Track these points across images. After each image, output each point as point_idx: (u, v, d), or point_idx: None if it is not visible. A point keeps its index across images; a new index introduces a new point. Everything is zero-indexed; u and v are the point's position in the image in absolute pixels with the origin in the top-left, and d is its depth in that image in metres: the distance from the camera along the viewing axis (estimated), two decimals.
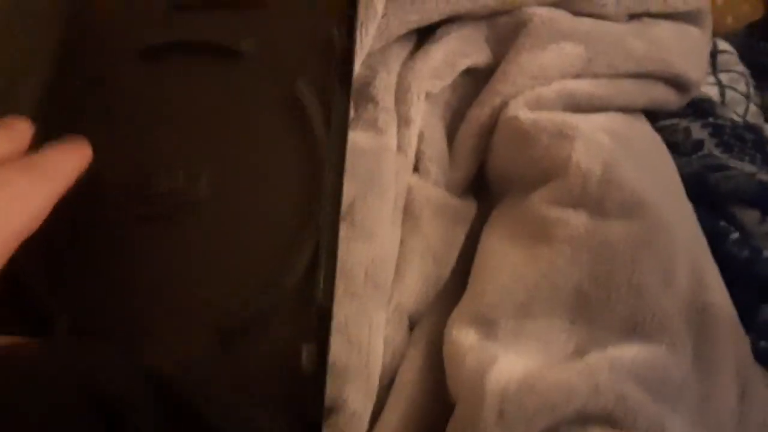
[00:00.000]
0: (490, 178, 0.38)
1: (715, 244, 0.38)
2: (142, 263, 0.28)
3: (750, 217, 0.40)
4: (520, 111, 0.35)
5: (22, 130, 0.26)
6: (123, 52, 0.32)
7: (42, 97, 0.31)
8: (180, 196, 0.28)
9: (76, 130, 0.27)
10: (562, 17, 0.38)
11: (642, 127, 0.39)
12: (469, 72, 0.38)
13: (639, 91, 0.39)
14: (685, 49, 0.42)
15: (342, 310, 0.28)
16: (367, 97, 0.35)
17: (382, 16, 0.35)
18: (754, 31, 0.55)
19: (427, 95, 0.36)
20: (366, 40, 0.33)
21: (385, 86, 0.35)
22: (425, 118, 0.36)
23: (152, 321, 0.27)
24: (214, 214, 0.28)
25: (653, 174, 0.34)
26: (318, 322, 0.26)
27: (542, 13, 0.38)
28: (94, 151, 0.27)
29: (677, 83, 0.41)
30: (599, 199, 0.31)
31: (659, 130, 0.45)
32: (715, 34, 0.54)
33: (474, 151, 0.37)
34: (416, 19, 0.36)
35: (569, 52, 0.37)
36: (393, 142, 0.34)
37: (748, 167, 0.42)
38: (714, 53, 0.52)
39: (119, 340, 0.26)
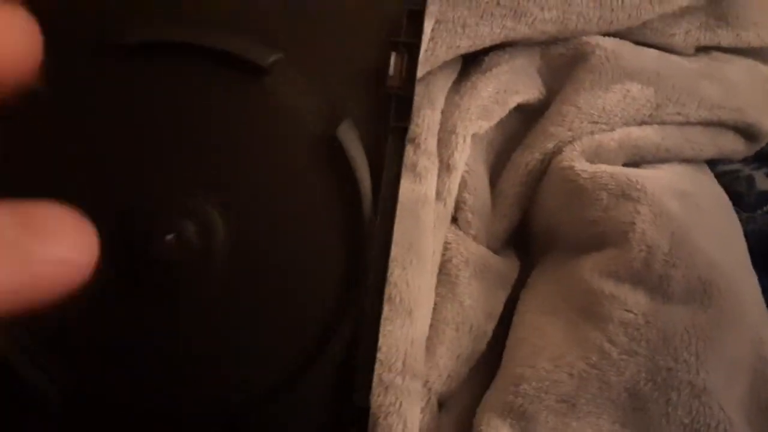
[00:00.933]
0: (533, 232, 0.34)
1: None
2: (134, 337, 0.23)
3: None
4: (577, 161, 0.31)
5: None
6: (101, 49, 0.23)
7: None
8: (188, 259, 0.23)
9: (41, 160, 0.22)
10: (627, 51, 0.34)
11: (708, 183, 0.35)
12: (517, 108, 0.34)
13: (708, 140, 0.34)
14: (758, 94, 0.37)
15: (373, 404, 0.25)
16: (408, 137, 0.31)
17: (430, 40, 0.30)
18: None
19: (473, 137, 0.32)
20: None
21: (428, 125, 0.31)
22: (468, 163, 0.32)
23: (148, 407, 0.23)
24: (228, 283, 0.23)
25: (723, 245, 0.30)
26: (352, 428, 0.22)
27: (606, 45, 0.33)
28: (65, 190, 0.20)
29: (748, 132, 0.36)
30: (664, 280, 0.27)
31: (718, 176, 0.41)
32: None
33: (519, 201, 0.33)
34: (467, 44, 0.31)
35: (637, 95, 0.32)
36: (432, 190, 0.30)
37: None
38: None
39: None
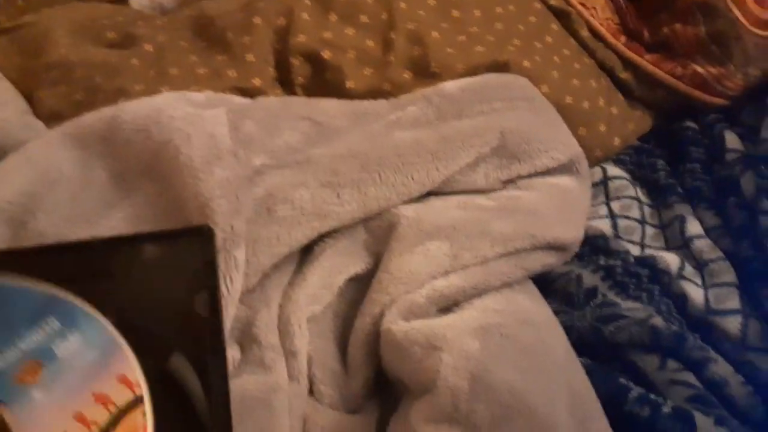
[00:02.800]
0: (389, 380, 0.39)
1: (617, 405, 0.38)
2: None
3: (649, 363, 0.41)
4: (394, 322, 0.37)
5: None
6: None
7: None
8: None
9: None
10: (428, 214, 0.41)
11: (523, 304, 0.40)
12: (351, 280, 0.40)
13: (514, 267, 0.41)
14: (558, 210, 0.44)
15: None
16: (251, 338, 0.37)
17: (249, 258, 0.37)
18: (644, 146, 0.58)
19: (310, 318, 0.38)
20: (234, 288, 0.35)
21: (266, 324, 0.37)
22: (312, 341, 0.38)
23: None
24: None
25: (526, 365, 0.35)
26: None
27: (408, 214, 0.41)
28: None
29: (553, 247, 0.42)
30: (470, 415, 0.32)
31: (554, 280, 0.46)
32: (606, 159, 0.56)
33: (366, 360, 0.38)
34: (286, 250, 0.38)
35: (435, 252, 0.39)
36: (283, 377, 0.36)
37: (641, 311, 0.43)
38: (605, 180, 0.54)
39: None
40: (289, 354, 0.37)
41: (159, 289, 0.33)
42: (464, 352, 0.34)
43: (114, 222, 0.39)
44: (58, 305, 0.30)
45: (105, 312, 0.31)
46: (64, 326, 0.29)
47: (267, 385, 0.35)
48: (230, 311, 0.35)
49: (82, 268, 0.32)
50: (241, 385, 0.35)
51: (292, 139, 0.42)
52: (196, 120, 0.40)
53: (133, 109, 0.41)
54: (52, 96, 0.50)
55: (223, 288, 0.35)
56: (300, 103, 0.46)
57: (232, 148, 0.39)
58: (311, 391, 0.38)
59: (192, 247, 0.33)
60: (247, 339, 0.37)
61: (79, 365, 0.29)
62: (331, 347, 0.39)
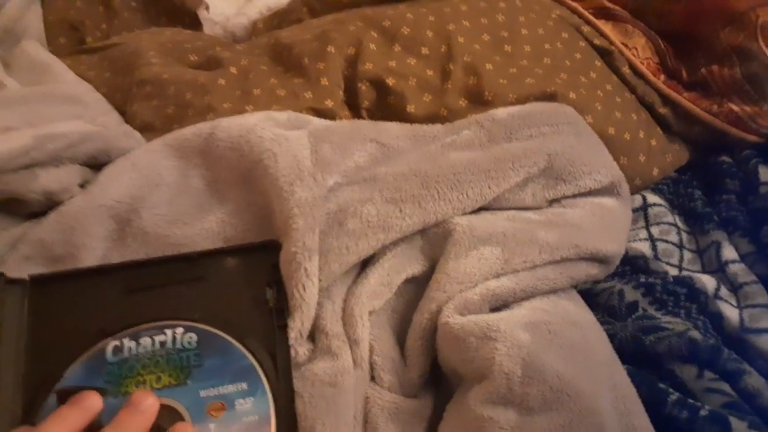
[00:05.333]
0: (444, 373, 0.43)
1: (656, 408, 0.41)
2: None
3: (688, 373, 0.44)
4: (451, 317, 0.41)
5: (92, 403, 0.32)
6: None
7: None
8: None
9: None
10: (480, 223, 0.45)
11: (568, 307, 0.44)
12: (408, 281, 0.45)
13: (560, 275, 0.44)
14: (600, 226, 0.47)
15: None
16: (319, 329, 0.41)
17: (322, 267, 0.41)
18: (681, 177, 0.61)
19: (371, 313, 0.42)
20: (308, 294, 0.40)
21: (330, 316, 0.41)
22: (373, 332, 0.42)
23: None
24: None
25: (571, 358, 0.39)
26: None
27: (463, 222, 0.45)
28: None
29: (596, 259, 0.46)
30: (524, 397, 0.36)
31: (597, 294, 0.50)
32: (645, 188, 0.60)
33: (422, 352, 0.42)
34: (354, 259, 0.43)
35: (488, 256, 0.43)
36: (348, 362, 0.40)
37: (680, 325, 0.46)
38: (645, 207, 0.58)
39: None
40: (353, 342, 0.41)
41: (239, 288, 0.40)
42: (516, 342, 0.38)
43: (207, 224, 0.44)
44: (251, 373, 0.38)
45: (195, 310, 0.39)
46: (248, 389, 0.37)
47: (335, 369, 0.39)
48: (306, 312, 0.40)
49: (184, 273, 0.41)
50: (312, 370, 0.39)
51: (361, 160, 0.47)
52: (282, 141, 0.45)
53: (227, 127, 0.47)
54: (146, 109, 0.56)
55: (296, 294, 0.40)
56: (368, 126, 0.51)
57: (311, 171, 0.44)
58: (372, 377, 0.42)
59: (263, 255, 0.41)
60: (316, 330, 0.41)
61: (244, 420, 0.37)
62: (390, 339, 0.43)
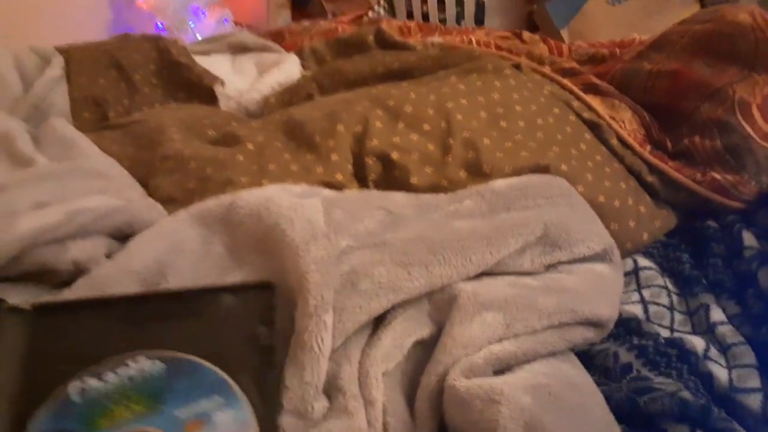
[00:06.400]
0: None
1: None
2: None
3: None
4: (458, 380, 0.43)
5: None
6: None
7: None
8: None
9: None
10: (483, 289, 0.48)
11: (567, 370, 0.46)
12: (417, 344, 0.47)
13: (559, 338, 0.47)
14: (595, 291, 0.51)
15: None
16: (337, 388, 0.44)
17: (336, 324, 0.45)
18: (670, 241, 0.65)
19: (384, 374, 0.45)
20: (325, 347, 0.43)
21: (349, 377, 0.44)
22: (386, 393, 0.44)
23: None
24: None
25: (576, 419, 0.41)
26: None
27: (467, 288, 0.48)
28: None
29: (591, 323, 0.49)
30: None
31: (594, 356, 0.53)
32: (636, 252, 0.63)
33: (431, 414, 0.45)
34: (366, 318, 0.46)
35: (491, 321, 0.46)
36: (363, 422, 0.42)
37: (672, 385, 0.48)
38: (636, 270, 0.61)
39: None
40: (368, 403, 0.44)
41: (233, 325, 0.42)
42: (519, 405, 0.41)
43: None
44: (224, 386, 0.40)
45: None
46: (225, 401, 0.39)
47: (350, 429, 0.42)
48: (323, 366, 0.43)
49: (181, 308, 0.43)
50: (328, 428, 0.41)
51: (370, 225, 0.51)
52: (298, 207, 0.49)
53: (247, 198, 0.51)
54: (169, 183, 0.61)
55: (315, 346, 0.43)
56: (375, 195, 0.55)
57: (325, 232, 0.48)
58: None
59: (257, 294, 0.44)
60: (333, 389, 0.44)
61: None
62: (401, 400, 0.45)
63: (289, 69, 0.87)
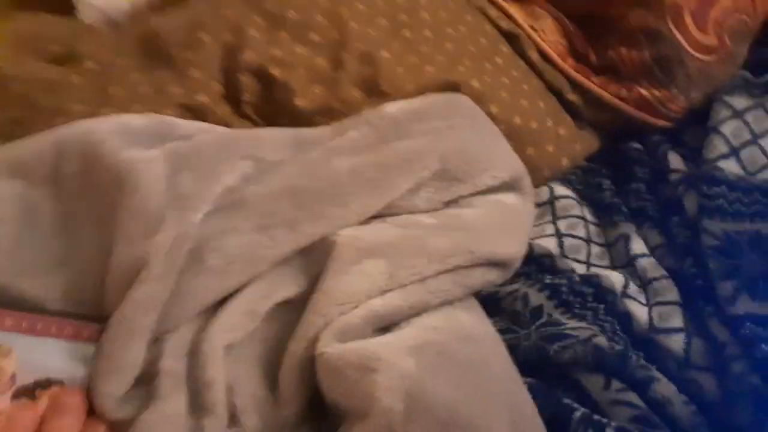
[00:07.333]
0: (327, 407, 0.38)
1: (560, 426, 0.38)
2: None
3: (594, 383, 0.41)
4: (329, 346, 0.36)
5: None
6: None
7: None
8: None
9: None
10: (366, 233, 0.40)
11: (462, 320, 0.40)
12: (284, 304, 0.39)
13: (453, 284, 0.40)
14: (498, 226, 0.43)
15: None
16: (152, 375, 0.35)
17: (174, 311, 0.36)
18: (591, 166, 0.58)
19: (230, 347, 0.37)
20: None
21: (169, 353, 0.36)
22: (234, 369, 0.36)
23: None
24: None
25: (464, 381, 0.34)
26: None
27: (346, 233, 0.40)
28: None
29: (492, 264, 0.42)
30: None
31: (502, 298, 0.46)
32: (553, 179, 0.57)
33: (299, 386, 0.37)
34: (215, 298, 0.38)
35: (371, 271, 0.38)
36: (178, 406, 0.34)
37: (585, 330, 0.43)
38: (552, 200, 0.54)
39: None
40: (203, 386, 0.35)
41: None
42: (399, 372, 0.33)
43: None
44: None
45: None
46: None
47: (163, 417, 0.34)
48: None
49: None
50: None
51: (230, 181, 0.41)
52: (134, 172, 0.38)
53: (71, 140, 0.39)
54: None
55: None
56: (243, 139, 0.44)
57: (160, 215, 0.37)
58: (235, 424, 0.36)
59: None
60: (148, 377, 0.36)
61: None
62: (256, 375, 0.37)
63: None
